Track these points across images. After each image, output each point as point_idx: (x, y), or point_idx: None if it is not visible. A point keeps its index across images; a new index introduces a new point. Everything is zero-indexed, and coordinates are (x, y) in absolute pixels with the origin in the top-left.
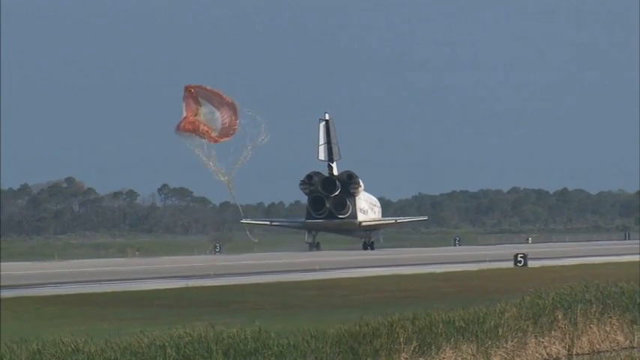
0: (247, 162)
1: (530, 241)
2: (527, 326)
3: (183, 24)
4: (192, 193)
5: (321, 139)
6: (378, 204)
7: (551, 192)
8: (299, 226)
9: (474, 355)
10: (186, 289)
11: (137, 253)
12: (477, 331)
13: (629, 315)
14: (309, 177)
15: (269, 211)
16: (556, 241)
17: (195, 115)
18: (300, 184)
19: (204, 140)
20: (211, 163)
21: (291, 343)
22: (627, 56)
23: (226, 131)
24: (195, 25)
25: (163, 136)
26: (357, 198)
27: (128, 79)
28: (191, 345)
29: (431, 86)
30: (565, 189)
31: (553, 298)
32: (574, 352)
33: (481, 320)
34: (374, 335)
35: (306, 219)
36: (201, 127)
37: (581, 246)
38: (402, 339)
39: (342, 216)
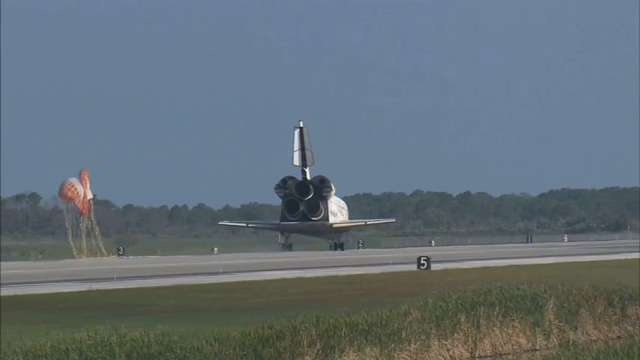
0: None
1: (433, 244)
2: (431, 329)
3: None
4: (95, 195)
5: (296, 146)
6: (346, 207)
7: (454, 195)
8: (274, 228)
9: (377, 357)
10: (90, 292)
11: (40, 256)
12: (380, 334)
13: (531, 318)
14: (284, 181)
15: (172, 214)
16: (459, 244)
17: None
18: (275, 188)
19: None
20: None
21: (195, 346)
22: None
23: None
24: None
25: (66, 137)
26: (328, 201)
27: (42, 81)
28: (94, 348)
29: (334, 93)
30: (468, 192)
31: (456, 301)
32: (477, 355)
33: (384, 323)
34: (277, 338)
35: (281, 221)
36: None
37: (484, 249)
38: (305, 342)
39: (315, 218)
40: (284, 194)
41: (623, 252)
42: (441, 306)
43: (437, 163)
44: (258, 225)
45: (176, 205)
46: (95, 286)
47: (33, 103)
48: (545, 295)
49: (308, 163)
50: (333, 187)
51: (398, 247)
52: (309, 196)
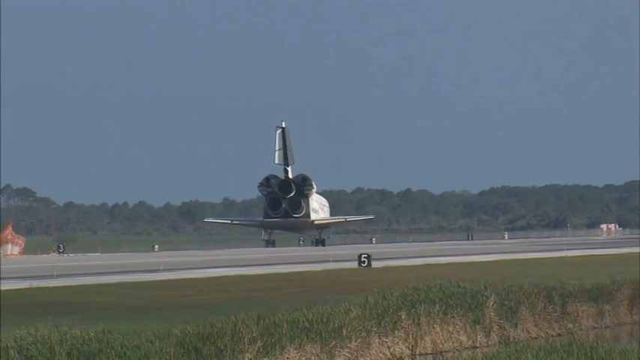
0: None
1: (374, 242)
2: (371, 326)
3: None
4: (35, 193)
5: (277, 145)
6: (327, 204)
7: (395, 192)
8: (257, 225)
9: (317, 355)
10: (29, 289)
11: None
12: (321, 331)
13: (472, 315)
14: (267, 179)
15: (113, 212)
16: (400, 242)
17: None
18: (258, 186)
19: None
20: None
21: (135, 343)
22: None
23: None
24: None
25: (5, 135)
26: (310, 199)
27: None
28: (34, 346)
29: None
30: (409, 189)
31: (397, 299)
32: (417, 352)
33: (325, 320)
34: (218, 335)
35: (264, 218)
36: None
37: (425, 246)
38: (246, 339)
39: (297, 215)
40: (267, 192)
41: (564, 249)
42: (381, 303)
43: (378, 161)
44: (242, 222)
45: (117, 203)
46: (35, 283)
47: None
48: (485, 293)
49: (289, 162)
50: (314, 185)
51: (339, 245)
52: (291, 194)
